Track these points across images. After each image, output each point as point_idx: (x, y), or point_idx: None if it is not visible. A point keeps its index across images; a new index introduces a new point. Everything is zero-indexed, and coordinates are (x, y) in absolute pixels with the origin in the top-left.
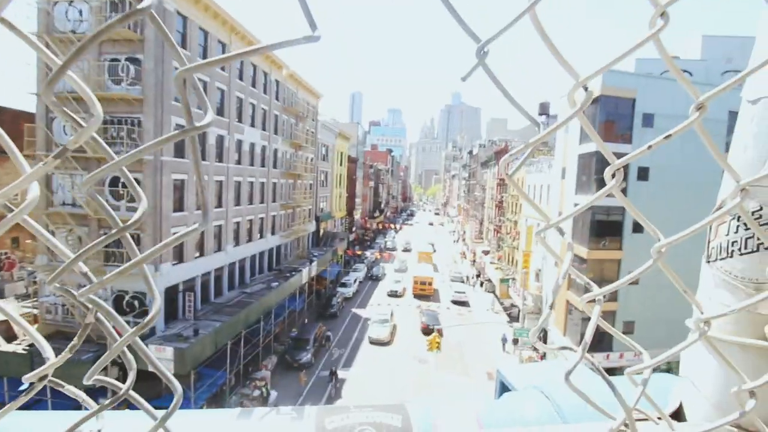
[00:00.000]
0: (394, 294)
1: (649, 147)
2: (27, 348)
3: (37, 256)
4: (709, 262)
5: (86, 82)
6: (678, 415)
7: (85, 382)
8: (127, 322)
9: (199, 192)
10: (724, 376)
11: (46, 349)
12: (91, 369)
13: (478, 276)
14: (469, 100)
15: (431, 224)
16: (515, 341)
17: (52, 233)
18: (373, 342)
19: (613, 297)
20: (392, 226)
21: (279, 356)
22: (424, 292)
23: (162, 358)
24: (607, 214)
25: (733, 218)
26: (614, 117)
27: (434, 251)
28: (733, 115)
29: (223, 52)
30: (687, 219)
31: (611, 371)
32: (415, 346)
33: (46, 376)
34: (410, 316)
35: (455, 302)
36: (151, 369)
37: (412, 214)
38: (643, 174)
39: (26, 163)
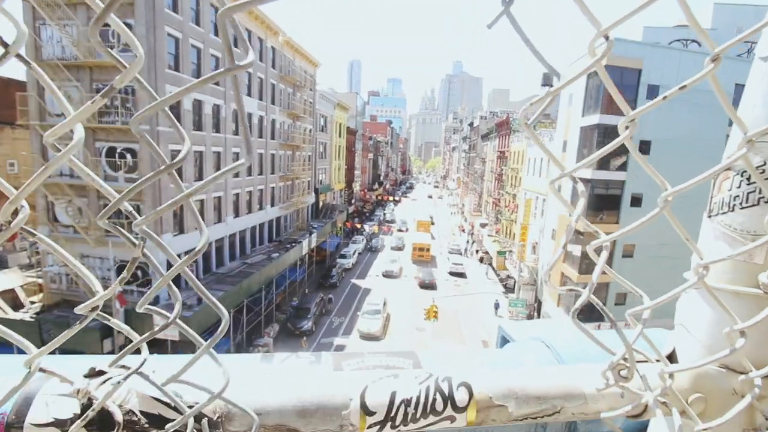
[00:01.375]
0: (389, 275)
1: (665, 98)
2: (34, 316)
3: (38, 226)
4: (710, 216)
5: (77, 48)
6: (671, 359)
7: (138, 309)
8: (131, 292)
9: (241, 129)
10: (716, 322)
11: (96, 283)
12: (142, 299)
13: (477, 251)
14: (471, 70)
15: (430, 197)
16: (510, 312)
17: (52, 204)
18: (363, 337)
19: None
20: (391, 198)
21: (281, 324)
22: (422, 258)
23: (176, 322)
24: (606, 187)
25: (737, 174)
26: (619, 87)
27: (433, 224)
28: (739, 88)
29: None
30: (689, 192)
31: None
32: (415, 320)
33: (97, 307)
34: (407, 297)
35: (452, 273)
36: (157, 336)
37: (411, 187)
38: (644, 147)
39: (69, 106)
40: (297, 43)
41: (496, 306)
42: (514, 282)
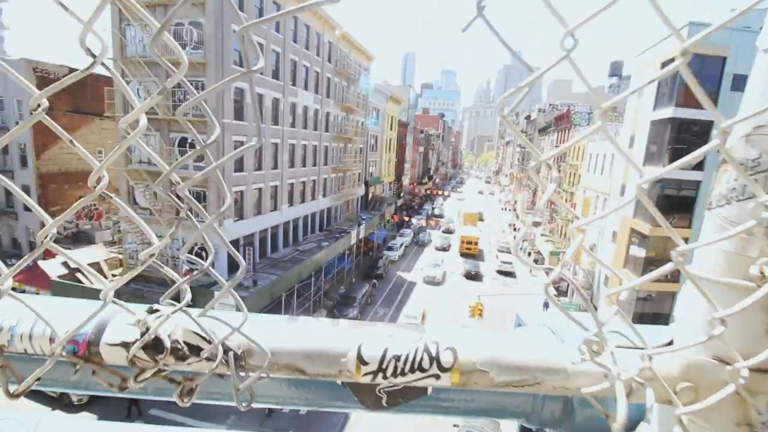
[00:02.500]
0: (431, 281)
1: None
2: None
3: (120, 209)
4: (710, 209)
5: (155, 47)
6: None
7: (181, 255)
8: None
9: (255, 116)
10: (710, 313)
11: (152, 236)
12: (183, 247)
13: (529, 253)
14: (530, 60)
15: (480, 193)
16: None
17: (132, 188)
18: None
19: (674, 277)
20: (441, 192)
21: (328, 310)
22: (470, 251)
23: (225, 304)
24: (678, 188)
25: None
26: (698, 78)
27: (482, 220)
28: None
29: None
30: None
31: None
32: (459, 312)
33: (153, 254)
34: (449, 308)
35: (501, 272)
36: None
37: (461, 182)
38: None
39: (136, 99)
40: (352, 38)
41: (545, 305)
42: (567, 285)
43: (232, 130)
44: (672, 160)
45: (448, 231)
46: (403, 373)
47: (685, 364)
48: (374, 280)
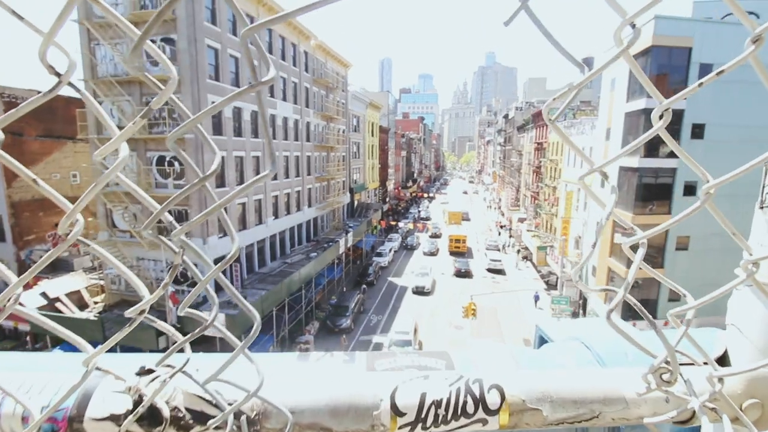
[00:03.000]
0: (420, 291)
1: (700, 84)
2: (98, 315)
3: (99, 232)
4: (762, 207)
5: (125, 65)
6: (723, 361)
7: (179, 313)
8: (182, 292)
9: (265, 142)
10: None
11: (142, 288)
12: (182, 302)
13: (518, 251)
14: (504, 60)
15: (465, 193)
16: (553, 310)
17: (110, 211)
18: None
19: (659, 263)
20: (426, 195)
21: (321, 322)
22: (459, 249)
23: (214, 324)
24: (655, 176)
25: None
26: (667, 69)
27: (467, 220)
28: None
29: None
30: (746, 179)
31: None
32: (452, 312)
33: (144, 310)
34: (442, 318)
35: (491, 270)
36: (206, 333)
37: (445, 183)
38: (697, 131)
39: (115, 126)
40: (328, 46)
41: (536, 298)
42: (557, 278)
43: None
44: (646, 149)
45: (436, 236)
46: (445, 421)
47: (749, 378)
48: (363, 286)
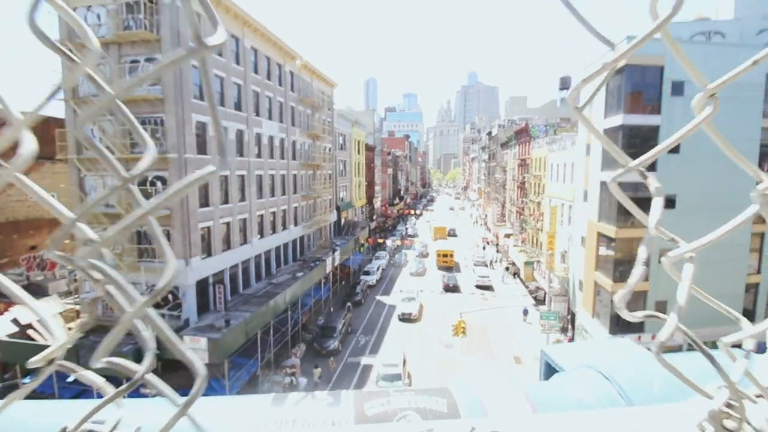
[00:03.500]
0: (407, 318)
1: (755, 62)
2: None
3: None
4: None
5: (110, 85)
6: None
7: (93, 365)
8: (163, 315)
9: (215, 132)
10: None
11: (55, 330)
12: (98, 349)
13: (507, 268)
14: (486, 80)
15: (451, 209)
16: (542, 326)
17: None
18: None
19: (643, 277)
20: (413, 212)
21: (307, 344)
22: (447, 263)
23: (197, 349)
24: (635, 190)
25: None
26: (641, 87)
27: (455, 236)
28: None
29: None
30: (720, 192)
31: None
32: (441, 330)
33: (54, 359)
34: (429, 352)
35: (479, 287)
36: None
37: (432, 200)
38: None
39: (17, 112)
40: (314, 66)
41: (525, 312)
42: (544, 294)
43: (196, 165)
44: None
45: (423, 255)
46: None
47: None
48: (348, 304)
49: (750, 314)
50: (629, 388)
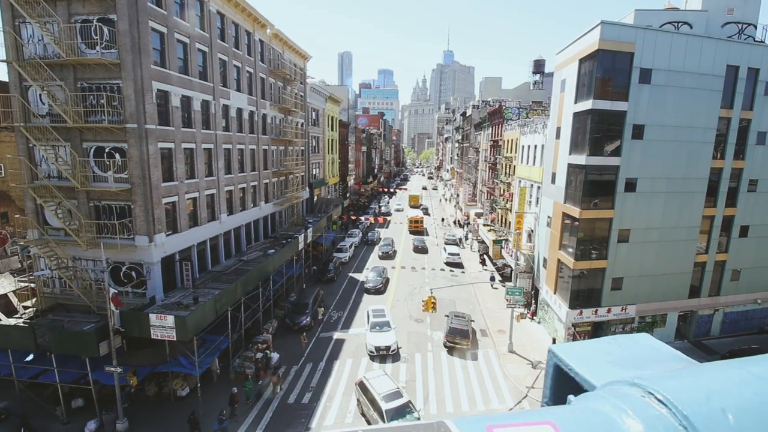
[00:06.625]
0: (372, 289)
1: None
2: (28, 321)
3: (28, 230)
4: None
5: (59, 46)
6: None
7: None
8: (127, 293)
9: None
10: None
11: None
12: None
13: (478, 250)
14: (462, 59)
15: (424, 188)
16: (507, 300)
17: (41, 207)
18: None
19: (602, 254)
20: (386, 190)
21: (279, 320)
22: (417, 228)
23: (164, 326)
24: (600, 173)
25: None
26: (611, 73)
27: (428, 215)
28: (731, 69)
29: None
30: (680, 174)
31: (598, 325)
32: (412, 306)
33: None
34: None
35: (449, 264)
36: (154, 337)
37: (405, 179)
38: (637, 132)
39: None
40: (286, 36)
41: (492, 279)
42: (511, 270)
43: (158, 137)
44: (592, 147)
45: (387, 256)
46: None
47: None
48: (319, 289)
49: (696, 290)
50: (697, 417)
